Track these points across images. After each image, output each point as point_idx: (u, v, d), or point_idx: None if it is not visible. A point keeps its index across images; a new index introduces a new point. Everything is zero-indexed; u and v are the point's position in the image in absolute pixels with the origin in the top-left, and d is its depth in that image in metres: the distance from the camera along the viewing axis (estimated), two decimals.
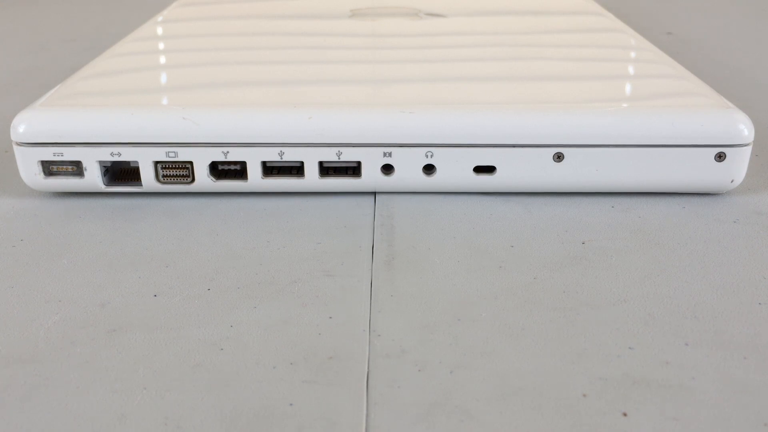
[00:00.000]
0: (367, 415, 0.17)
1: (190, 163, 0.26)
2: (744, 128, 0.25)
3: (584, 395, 0.17)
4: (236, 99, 0.26)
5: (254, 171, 0.26)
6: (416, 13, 0.39)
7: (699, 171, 0.25)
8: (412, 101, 0.26)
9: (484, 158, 0.26)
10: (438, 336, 0.19)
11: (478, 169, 0.26)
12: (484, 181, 0.26)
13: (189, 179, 0.26)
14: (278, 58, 0.31)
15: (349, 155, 0.25)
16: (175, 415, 0.17)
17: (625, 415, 0.16)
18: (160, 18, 0.39)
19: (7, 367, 0.18)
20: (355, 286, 0.21)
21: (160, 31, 0.37)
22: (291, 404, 0.17)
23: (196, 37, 0.35)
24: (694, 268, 0.22)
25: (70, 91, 0.27)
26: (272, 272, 0.22)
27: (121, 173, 0.27)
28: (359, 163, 0.26)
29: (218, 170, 0.26)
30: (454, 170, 0.26)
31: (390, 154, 0.25)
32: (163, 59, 0.32)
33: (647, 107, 0.25)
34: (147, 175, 0.26)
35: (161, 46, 0.34)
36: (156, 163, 0.26)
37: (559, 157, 0.25)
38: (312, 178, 0.26)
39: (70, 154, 0.25)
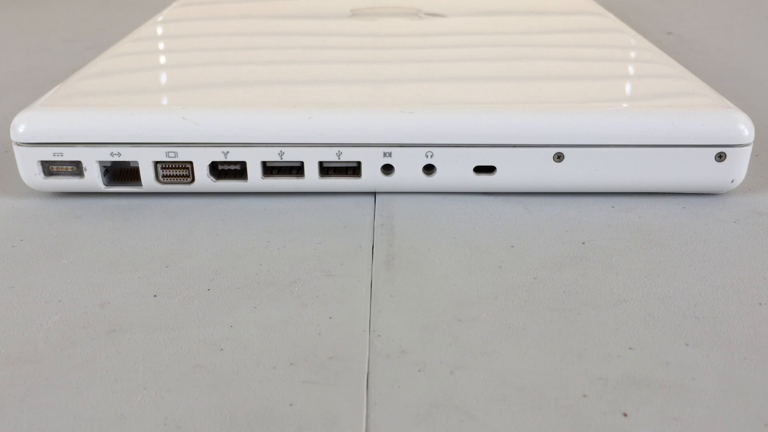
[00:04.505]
0: (367, 415, 0.17)
1: (190, 163, 0.26)
2: (744, 128, 0.25)
3: (584, 395, 0.17)
4: (236, 99, 0.26)
5: (254, 171, 0.26)
6: (416, 13, 0.39)
7: (699, 171, 0.25)
8: (412, 101, 0.26)
9: (484, 158, 0.26)
10: (438, 336, 0.19)
11: (478, 169, 0.26)
12: (484, 181, 0.26)
13: (189, 179, 0.26)
14: (278, 58, 0.31)
15: (349, 155, 0.25)
16: (175, 415, 0.17)
17: (625, 415, 0.16)
18: (160, 18, 0.39)
19: (7, 367, 0.18)
20: (355, 286, 0.21)
21: (160, 31, 0.37)
22: (291, 404, 0.17)
23: (196, 37, 0.35)
24: (694, 268, 0.22)
25: (70, 91, 0.27)
26: (272, 272, 0.22)
27: (121, 173, 0.27)
28: (359, 163, 0.26)
29: (218, 170, 0.26)
30: (454, 170, 0.26)
31: (390, 154, 0.25)
32: (163, 59, 0.32)
33: (647, 107, 0.25)
34: (147, 175, 0.26)
35: (161, 46, 0.34)
36: (156, 163, 0.26)
37: (559, 157, 0.25)
38: (312, 178, 0.26)
39: (70, 154, 0.25)
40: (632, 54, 0.32)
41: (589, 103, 0.26)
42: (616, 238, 0.24)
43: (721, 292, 0.21)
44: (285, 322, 0.20)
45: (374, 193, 0.27)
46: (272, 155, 0.25)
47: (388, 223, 0.25)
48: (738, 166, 0.25)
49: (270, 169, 0.26)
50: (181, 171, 0.26)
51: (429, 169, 0.26)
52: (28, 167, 0.26)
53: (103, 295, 0.21)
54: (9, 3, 0.63)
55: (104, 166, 0.26)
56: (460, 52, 0.32)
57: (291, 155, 0.25)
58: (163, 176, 0.26)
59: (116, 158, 0.25)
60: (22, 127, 0.25)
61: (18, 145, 0.25)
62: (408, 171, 0.26)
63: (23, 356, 0.19)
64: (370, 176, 0.26)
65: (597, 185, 0.26)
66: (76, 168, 0.26)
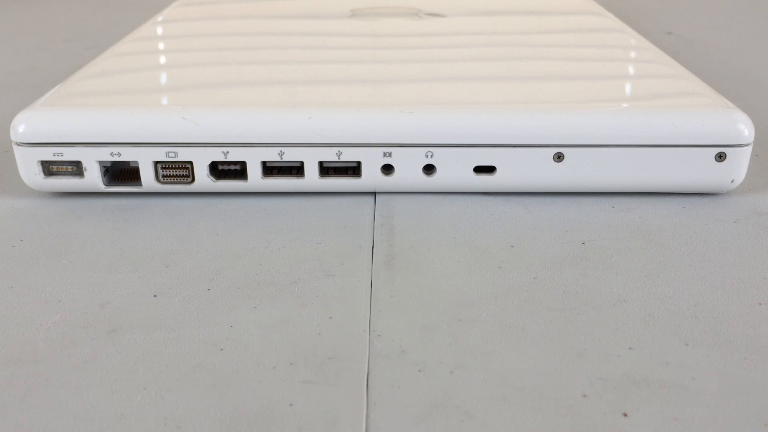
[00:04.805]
0: (367, 415, 0.17)
1: (190, 163, 0.26)
2: (744, 128, 0.25)
3: (584, 395, 0.17)
4: (236, 99, 0.26)
5: (254, 171, 0.26)
6: (416, 13, 0.39)
7: (699, 171, 0.25)
8: (412, 101, 0.26)
9: (484, 158, 0.26)
10: (438, 336, 0.19)
11: (478, 169, 0.26)
12: (484, 181, 0.26)
13: (189, 179, 0.26)
14: (278, 58, 0.31)
15: (349, 155, 0.25)
16: (175, 415, 0.17)
17: (625, 415, 0.16)
18: (160, 18, 0.39)
19: (7, 367, 0.18)
20: (355, 286, 0.21)
21: (160, 31, 0.37)
22: (291, 404, 0.17)
23: (196, 37, 0.35)
24: (694, 268, 0.22)
25: (70, 91, 0.27)
26: (272, 272, 0.22)
27: (121, 173, 0.27)
28: (359, 163, 0.26)
29: (218, 170, 0.26)
30: (454, 170, 0.26)
31: (390, 154, 0.25)
32: (163, 59, 0.32)
33: (647, 107, 0.25)
34: (147, 175, 0.26)
35: (161, 46, 0.34)
36: (156, 163, 0.26)
37: (559, 157, 0.25)
38: (312, 178, 0.26)
39: (70, 154, 0.25)
40: (632, 54, 0.32)
41: (589, 103, 0.26)
42: (616, 238, 0.24)
43: (721, 292, 0.21)
44: (285, 322, 0.20)
45: (374, 193, 0.27)
46: (272, 155, 0.25)
47: (388, 223, 0.25)
48: (738, 166, 0.25)
49: (270, 169, 0.26)
50: (181, 171, 0.26)
51: (429, 169, 0.26)
52: (28, 167, 0.26)
53: (103, 295, 0.21)
54: (9, 3, 0.63)
55: (104, 166, 0.26)
56: (460, 52, 0.32)
57: (291, 155, 0.25)
58: (163, 176, 0.26)
59: (116, 158, 0.25)
60: (22, 127, 0.25)
61: (18, 145, 0.25)
62: (408, 171, 0.26)
63: (23, 356, 0.19)
64: (370, 176, 0.26)
65: (597, 185, 0.26)
66: (76, 168, 0.26)
